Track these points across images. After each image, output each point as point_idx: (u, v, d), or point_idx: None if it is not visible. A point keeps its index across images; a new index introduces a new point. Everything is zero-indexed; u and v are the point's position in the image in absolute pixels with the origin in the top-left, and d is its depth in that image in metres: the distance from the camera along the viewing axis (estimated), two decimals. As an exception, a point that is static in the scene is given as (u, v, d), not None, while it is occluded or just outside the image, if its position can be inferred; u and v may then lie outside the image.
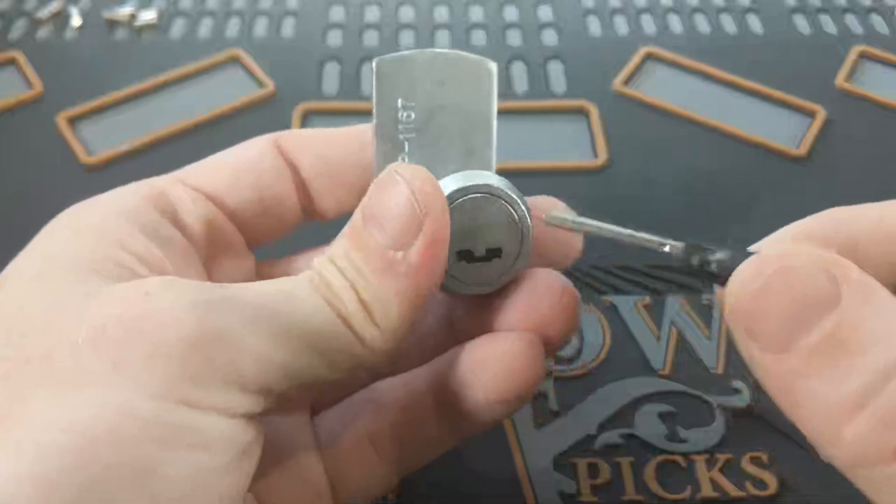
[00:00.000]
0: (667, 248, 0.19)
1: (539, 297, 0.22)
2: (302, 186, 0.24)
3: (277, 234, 0.25)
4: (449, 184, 0.22)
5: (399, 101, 0.23)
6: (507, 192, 0.22)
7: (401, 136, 0.23)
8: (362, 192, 0.21)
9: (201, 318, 0.18)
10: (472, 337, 0.23)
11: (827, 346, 0.14)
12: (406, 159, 0.23)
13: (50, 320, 0.18)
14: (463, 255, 0.22)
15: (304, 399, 0.24)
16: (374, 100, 0.23)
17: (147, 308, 0.18)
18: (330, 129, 0.25)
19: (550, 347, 0.22)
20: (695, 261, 0.18)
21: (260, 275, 0.25)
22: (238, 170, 0.24)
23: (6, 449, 0.16)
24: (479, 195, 0.22)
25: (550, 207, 0.23)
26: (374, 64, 0.23)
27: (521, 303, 0.22)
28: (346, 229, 0.20)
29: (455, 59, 0.23)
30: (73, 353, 0.17)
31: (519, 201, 0.22)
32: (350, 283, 0.19)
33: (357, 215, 0.20)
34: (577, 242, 0.24)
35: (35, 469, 0.16)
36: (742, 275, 0.16)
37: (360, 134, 0.24)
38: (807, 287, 0.15)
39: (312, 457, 0.23)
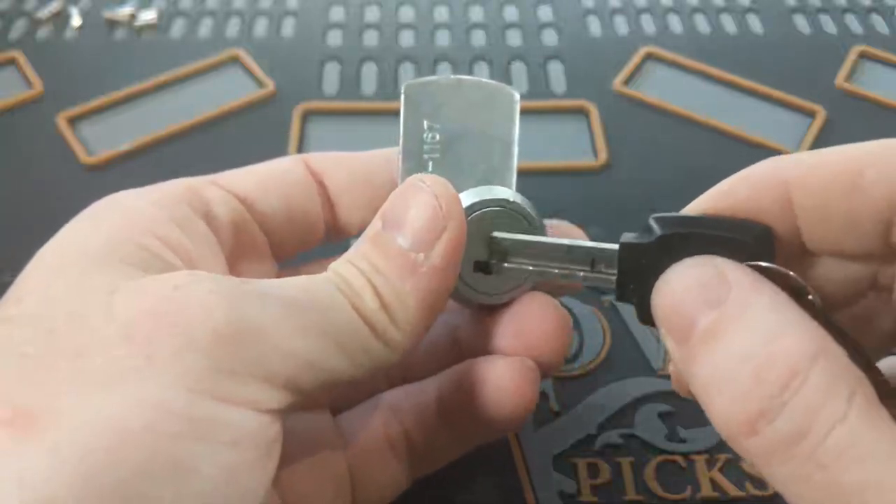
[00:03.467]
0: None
1: (529, 324, 0.23)
2: (328, 204, 0.25)
3: (301, 248, 0.26)
4: (468, 197, 0.23)
5: (424, 122, 0.24)
6: (523, 207, 0.23)
7: (425, 156, 0.24)
8: None
9: (231, 312, 0.18)
10: (474, 353, 0.24)
11: (706, 336, 0.17)
12: None
13: (76, 315, 0.18)
14: (479, 266, 0.23)
15: (324, 398, 0.25)
16: (400, 121, 0.24)
17: (177, 301, 0.18)
18: (359, 152, 0.26)
19: (543, 370, 0.23)
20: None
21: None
22: (267, 178, 0.24)
23: (44, 449, 0.16)
24: (497, 208, 0.23)
25: (564, 230, 0.24)
26: (402, 88, 0.24)
27: (513, 328, 0.23)
28: (364, 235, 0.21)
29: (479, 86, 0.24)
30: (105, 350, 0.17)
31: (534, 215, 0.23)
32: (370, 283, 0.20)
33: (377, 222, 0.21)
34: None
35: (73, 469, 0.16)
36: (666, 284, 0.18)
37: (388, 155, 0.25)
38: (699, 284, 0.18)
39: (337, 453, 0.23)
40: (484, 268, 0.23)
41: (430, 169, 0.24)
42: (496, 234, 0.22)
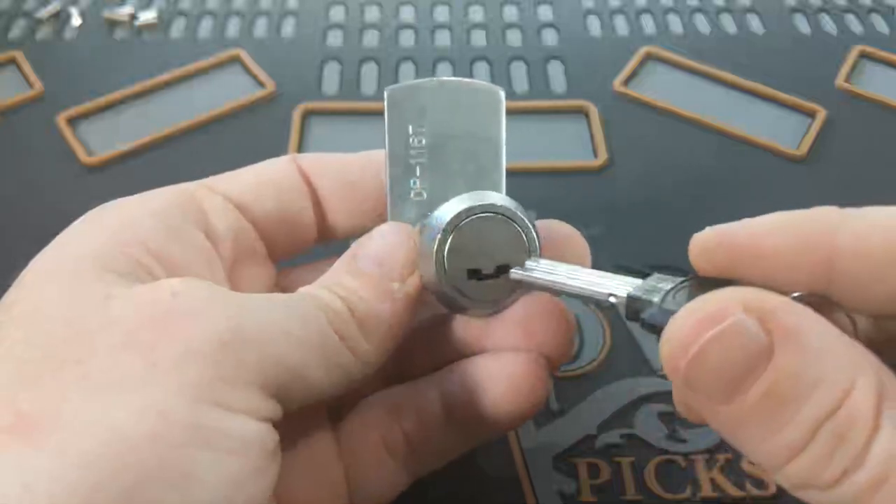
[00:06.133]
0: (612, 300, 0.20)
1: (536, 319, 0.23)
2: (318, 205, 0.25)
3: (295, 251, 0.26)
4: (458, 204, 0.23)
5: (410, 127, 0.23)
6: (513, 211, 0.23)
7: (412, 161, 0.24)
8: (374, 213, 0.24)
9: (231, 319, 0.18)
10: (473, 351, 0.24)
11: (765, 400, 0.15)
12: (417, 183, 0.24)
13: (72, 321, 0.18)
14: (473, 273, 0.23)
15: (312, 410, 0.24)
16: (385, 127, 0.23)
17: (177, 308, 0.18)
18: (347, 154, 0.26)
19: (550, 365, 0.23)
20: (634, 315, 0.19)
21: (279, 284, 0.25)
22: (261, 182, 0.25)
23: (48, 454, 0.16)
24: (487, 214, 0.23)
25: (557, 228, 0.24)
26: (385, 93, 0.24)
27: (519, 324, 0.23)
28: (340, 264, 0.23)
29: (463, 87, 0.24)
30: (107, 356, 0.17)
31: (525, 219, 0.23)
32: (347, 307, 0.21)
33: (349, 255, 0.23)
34: (586, 263, 0.25)
35: (78, 476, 0.16)
36: (677, 336, 0.16)
37: (376, 158, 0.25)
38: (741, 347, 0.15)
39: (332, 458, 0.23)
40: (477, 275, 0.23)
41: (417, 174, 0.23)
42: (513, 272, 0.23)
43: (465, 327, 0.24)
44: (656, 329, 0.17)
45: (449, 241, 0.22)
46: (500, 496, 0.27)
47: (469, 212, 0.22)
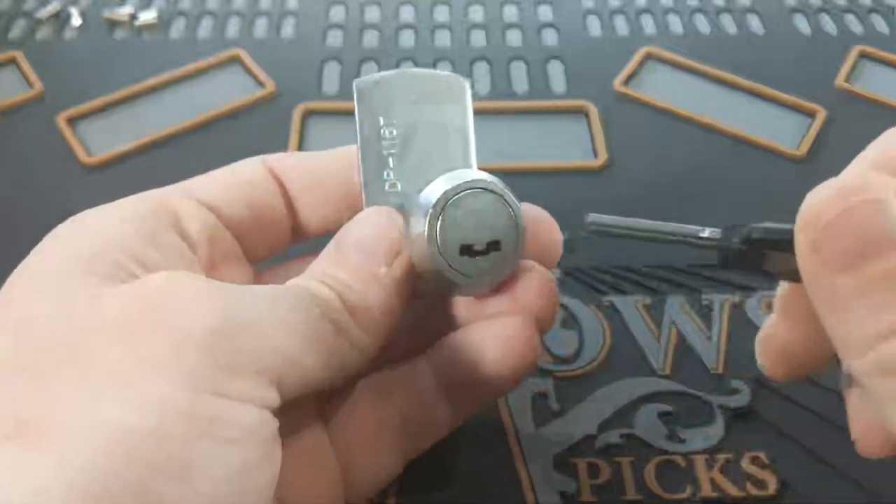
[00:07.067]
0: (705, 234, 0.21)
1: (519, 288, 0.24)
2: (291, 204, 0.25)
3: (272, 251, 0.26)
4: (444, 182, 0.23)
5: (380, 119, 0.24)
6: (501, 187, 0.23)
7: (384, 153, 0.24)
8: (346, 209, 0.24)
9: (223, 308, 0.19)
10: (465, 323, 0.24)
11: (883, 278, 0.16)
12: (391, 174, 0.24)
13: (63, 324, 0.18)
14: (464, 250, 0.23)
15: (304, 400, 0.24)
16: (356, 120, 0.24)
17: (164, 301, 0.18)
18: (316, 151, 0.26)
19: (539, 327, 0.24)
20: (737, 239, 0.20)
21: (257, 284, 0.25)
22: (232, 184, 0.25)
23: (49, 455, 0.16)
24: (477, 190, 0.22)
25: (529, 212, 0.24)
26: (353, 86, 0.24)
27: (505, 294, 0.24)
28: (324, 254, 0.23)
29: (429, 77, 0.24)
30: (100, 353, 0.17)
31: (512, 196, 0.23)
32: (337, 294, 0.21)
33: (333, 244, 0.23)
34: (558, 245, 0.25)
35: (83, 478, 0.16)
36: (825, 195, 0.17)
37: (346, 154, 0.25)
38: (885, 220, 0.16)
39: (325, 447, 0.23)
40: (469, 252, 0.23)
41: (391, 165, 0.24)
42: (593, 217, 0.22)
43: (453, 305, 0.25)
44: (760, 243, 0.19)
45: (440, 217, 0.22)
46: (501, 496, 0.27)
47: (457, 189, 0.22)
